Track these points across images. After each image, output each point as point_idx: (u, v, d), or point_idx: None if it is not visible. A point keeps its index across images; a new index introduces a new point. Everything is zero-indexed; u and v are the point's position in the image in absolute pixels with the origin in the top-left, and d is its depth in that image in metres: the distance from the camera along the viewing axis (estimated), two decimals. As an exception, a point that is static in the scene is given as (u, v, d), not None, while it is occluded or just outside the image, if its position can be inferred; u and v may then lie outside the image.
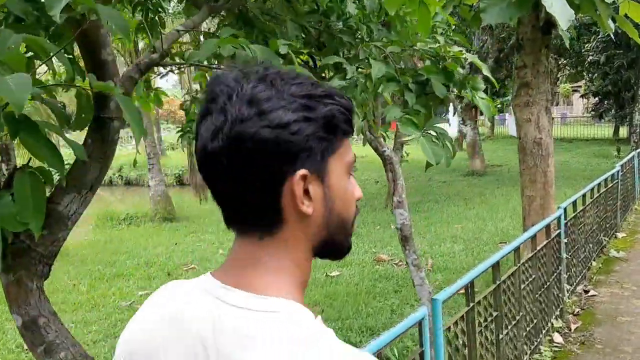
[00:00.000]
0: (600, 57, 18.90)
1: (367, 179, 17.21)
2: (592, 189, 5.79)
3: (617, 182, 7.07)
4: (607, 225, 6.58)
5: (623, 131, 24.46)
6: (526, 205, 6.16)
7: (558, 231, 4.44)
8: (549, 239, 4.11)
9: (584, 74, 23.45)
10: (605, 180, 6.41)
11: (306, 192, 0.70)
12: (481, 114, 37.14)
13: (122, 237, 11.03)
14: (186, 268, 8.31)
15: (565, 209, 4.66)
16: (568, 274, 4.76)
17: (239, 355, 0.65)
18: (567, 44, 4.39)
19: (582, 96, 26.03)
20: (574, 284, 5.01)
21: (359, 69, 2.63)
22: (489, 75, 2.60)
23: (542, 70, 5.92)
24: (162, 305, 0.76)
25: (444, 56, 2.65)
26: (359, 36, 2.92)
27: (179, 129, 4.34)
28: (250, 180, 0.69)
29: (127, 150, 28.27)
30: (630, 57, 18.37)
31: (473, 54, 2.76)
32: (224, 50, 1.81)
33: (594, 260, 5.81)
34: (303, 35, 2.88)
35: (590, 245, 5.71)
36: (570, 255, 4.90)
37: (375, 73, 2.50)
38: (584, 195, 5.40)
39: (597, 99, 21.39)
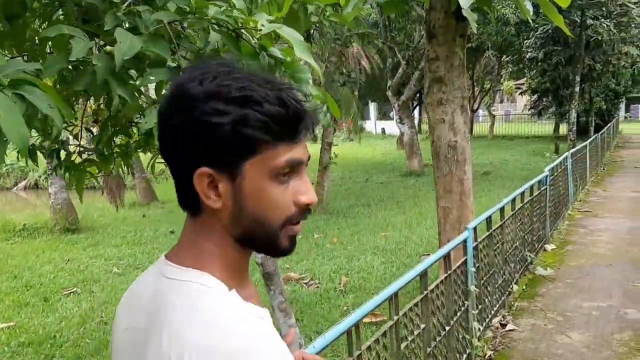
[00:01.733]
0: (539, 53, 18.59)
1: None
2: (513, 200, 5.01)
3: (546, 188, 6.36)
4: (534, 238, 5.85)
5: (563, 128, 24.46)
6: (441, 218, 5.35)
7: (464, 258, 3.60)
8: (448, 272, 3.25)
9: (525, 71, 23.28)
10: (531, 187, 5.67)
11: (216, 187, 0.75)
12: (414, 109, 36.80)
13: (11, 252, 9.70)
14: (66, 292, 7.15)
15: (475, 229, 3.83)
16: (480, 307, 3.94)
17: (160, 316, 0.74)
18: (473, 28, 3.55)
19: (520, 94, 25.89)
20: (489, 316, 4.21)
21: (105, 46, 1.64)
22: (311, 61, 1.68)
23: (457, 63, 5.10)
24: (135, 283, 0.87)
25: (243, 28, 1.71)
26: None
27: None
28: (174, 168, 0.78)
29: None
30: (568, 54, 18.12)
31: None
32: None
33: (516, 283, 5.03)
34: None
35: (512, 266, 4.94)
36: (484, 283, 4.09)
37: (122, 50, 1.51)
38: (501, 210, 4.60)
39: (536, 96, 21.15)
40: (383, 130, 36.05)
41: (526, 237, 5.50)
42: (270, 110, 0.73)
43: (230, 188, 0.75)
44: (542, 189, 6.22)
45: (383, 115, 38.74)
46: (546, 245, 6.33)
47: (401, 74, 16.58)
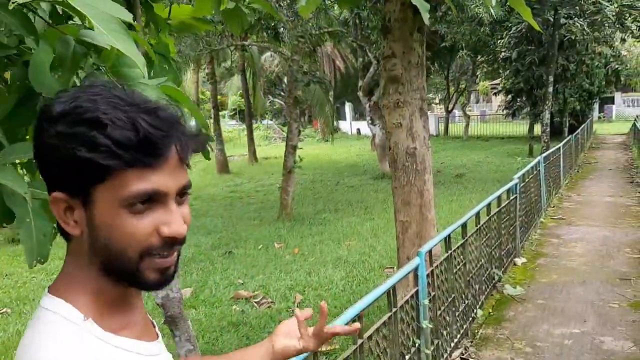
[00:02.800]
0: (512, 53, 18.26)
1: (272, 183, 15.73)
2: (478, 214, 4.49)
3: (516, 197, 5.88)
4: (503, 253, 5.35)
5: (538, 129, 24.22)
6: (400, 233, 4.82)
7: (414, 290, 3.05)
8: (393, 311, 2.70)
9: (500, 71, 22.99)
10: (499, 198, 5.17)
11: (72, 213, 0.73)
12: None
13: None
14: (-3, 313, 6.47)
15: (430, 252, 3.29)
16: (437, 342, 3.40)
17: (22, 344, 0.72)
18: (425, 19, 3.01)
19: (495, 94, 25.63)
20: (449, 349, 3.67)
21: None
22: (130, 49, 1.09)
23: (415, 61, 4.57)
24: None
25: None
26: None
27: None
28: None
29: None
30: (541, 54, 17.82)
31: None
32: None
33: (481, 306, 4.52)
34: None
35: (477, 287, 4.42)
36: (442, 313, 3.55)
37: None
38: (463, 226, 4.07)
39: (510, 96, 20.84)
40: (358, 130, 35.65)
41: (493, 252, 4.99)
42: (113, 135, 0.68)
43: (84, 215, 0.73)
44: (512, 198, 5.73)
45: (359, 115, 38.35)
46: (516, 259, 5.85)
47: (372, 73, 16.07)
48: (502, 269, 5.29)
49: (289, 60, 10.26)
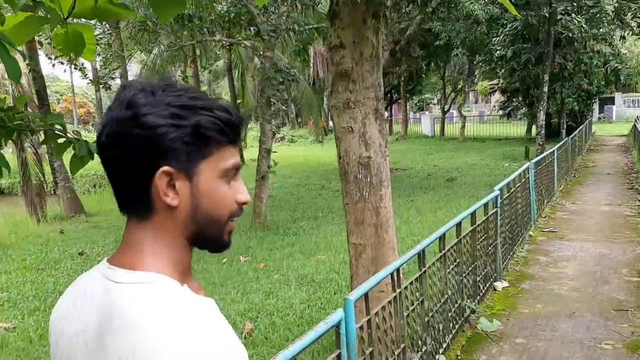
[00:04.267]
0: (507, 51, 17.47)
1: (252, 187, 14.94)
2: (442, 237, 3.73)
3: (496, 211, 5.11)
4: (479, 278, 4.58)
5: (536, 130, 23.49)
6: (353, 258, 4.05)
7: (337, 352, 2.28)
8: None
9: (497, 70, 22.21)
10: (473, 215, 4.40)
11: (173, 186, 0.80)
12: (385, 110, 35.61)
13: None
14: None
15: (367, 297, 2.52)
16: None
17: (118, 319, 0.74)
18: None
19: (490, 93, 24.82)
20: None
21: None
22: None
23: (369, 52, 3.81)
24: (73, 288, 0.89)
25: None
26: None
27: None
28: (127, 171, 0.80)
29: None
30: (538, 52, 17.02)
31: None
32: None
33: (445, 350, 3.74)
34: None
35: (440, 328, 3.65)
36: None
37: None
38: (420, 254, 3.31)
39: (505, 96, 20.04)
40: (353, 131, 34.77)
41: (466, 280, 4.22)
42: (222, 116, 0.82)
43: (187, 187, 0.80)
44: (491, 212, 4.96)
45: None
46: (497, 283, 5.08)
47: (359, 72, 15.30)
48: (478, 298, 4.52)
49: (260, 57, 9.48)
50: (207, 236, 0.84)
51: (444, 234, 3.68)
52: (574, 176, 12.44)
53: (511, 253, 5.88)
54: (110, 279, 0.80)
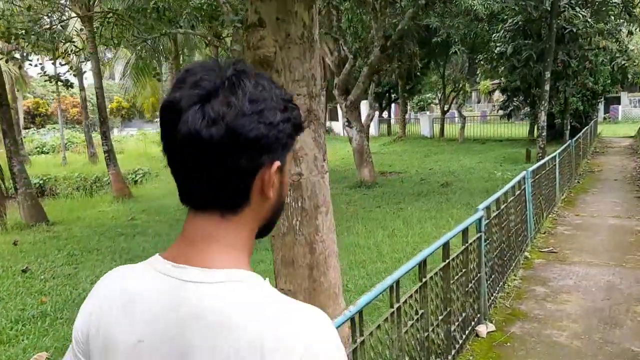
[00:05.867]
0: (507, 47, 16.43)
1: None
2: (396, 284, 2.74)
3: (480, 237, 4.11)
4: (454, 327, 3.58)
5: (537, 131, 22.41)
6: (282, 308, 3.03)
7: None
8: None
9: (498, 69, 21.17)
10: (445, 246, 3.40)
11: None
12: (384, 111, 34.50)
13: None
14: None
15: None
16: None
17: (214, 324, 0.72)
18: None
19: (490, 93, 23.77)
20: None
21: None
22: None
23: (299, 33, 2.81)
24: (117, 285, 0.83)
25: None
26: None
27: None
28: (237, 165, 0.77)
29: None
30: (539, 48, 15.97)
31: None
32: None
33: None
34: None
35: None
36: None
37: None
38: (355, 319, 2.31)
39: (505, 96, 18.98)
40: (350, 132, 33.81)
41: (434, 334, 3.22)
42: (299, 115, 0.84)
43: (279, 178, 0.82)
44: (473, 239, 3.96)
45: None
46: (480, 327, 4.07)
47: (348, 70, 14.32)
48: (453, 353, 3.51)
49: (227, 51, 8.50)
50: (274, 222, 0.88)
51: (396, 282, 2.68)
52: (578, 182, 11.40)
53: (501, 283, 4.88)
54: (181, 278, 0.76)
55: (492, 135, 26.43)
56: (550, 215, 7.93)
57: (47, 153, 29.34)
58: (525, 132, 24.74)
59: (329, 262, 2.99)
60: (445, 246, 3.36)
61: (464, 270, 3.73)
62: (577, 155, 12.41)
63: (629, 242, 6.46)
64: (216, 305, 0.72)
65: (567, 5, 13.65)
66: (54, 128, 38.46)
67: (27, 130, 39.42)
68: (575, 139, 12.12)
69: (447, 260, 3.40)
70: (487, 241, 4.44)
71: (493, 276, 4.60)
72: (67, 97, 45.49)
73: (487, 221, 4.44)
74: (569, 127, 18.18)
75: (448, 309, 3.42)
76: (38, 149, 30.45)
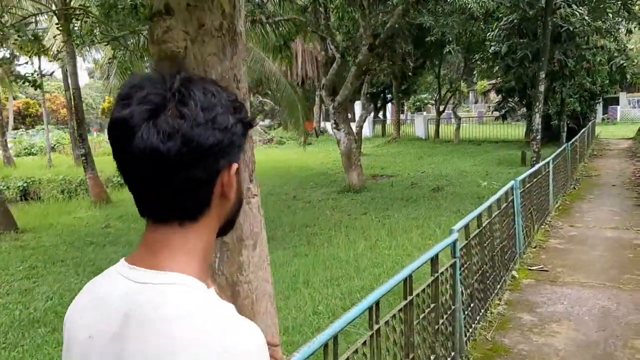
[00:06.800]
0: (502, 46, 15.87)
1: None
2: (325, 348, 2.18)
3: (455, 262, 3.56)
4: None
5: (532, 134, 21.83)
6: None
7: None
8: None
9: (494, 68, 20.60)
10: (407, 281, 2.84)
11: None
12: (379, 111, 34.05)
13: None
14: None
15: None
16: None
17: (137, 320, 0.75)
18: None
19: (484, 93, 23.22)
20: None
21: None
22: None
23: (216, 24, 2.25)
24: (88, 291, 0.87)
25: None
26: None
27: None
28: (197, 174, 0.78)
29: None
30: (535, 47, 15.39)
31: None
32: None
33: None
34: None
35: None
36: None
37: None
38: None
39: (500, 96, 18.42)
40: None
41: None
42: (247, 112, 0.86)
43: (235, 178, 0.84)
44: (445, 268, 3.40)
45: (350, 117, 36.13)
46: (454, 369, 3.51)
47: (335, 69, 13.76)
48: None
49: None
50: (234, 220, 0.89)
51: (333, 338, 2.11)
52: (574, 188, 10.85)
53: (482, 311, 4.32)
54: (132, 279, 0.79)
55: (488, 137, 25.89)
56: (542, 226, 7.37)
57: (36, 154, 28.79)
58: (521, 133, 24.21)
59: (258, 308, 2.43)
60: (407, 281, 2.80)
61: (432, 305, 3.17)
62: (573, 159, 11.86)
63: (627, 259, 5.91)
64: (148, 307, 0.74)
65: (563, 3, 13.09)
66: (44, 129, 37.96)
67: (16, 131, 38.87)
68: (571, 142, 11.57)
69: (409, 298, 2.84)
70: (465, 265, 3.88)
71: (472, 304, 4.05)
72: (58, 97, 44.94)
73: (465, 242, 3.90)
74: (565, 128, 17.62)
75: (411, 356, 2.86)
76: (27, 150, 29.93)
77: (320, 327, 5.20)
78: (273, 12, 14.78)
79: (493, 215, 4.72)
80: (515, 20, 15.84)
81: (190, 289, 0.76)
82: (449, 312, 3.45)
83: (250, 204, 2.37)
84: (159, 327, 0.72)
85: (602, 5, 12.64)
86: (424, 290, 3.05)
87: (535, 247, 6.46)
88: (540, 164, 7.82)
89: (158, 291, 0.75)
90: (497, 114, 19.53)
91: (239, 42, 2.34)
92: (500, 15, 16.73)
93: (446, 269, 3.40)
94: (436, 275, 3.22)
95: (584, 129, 15.92)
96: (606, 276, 5.33)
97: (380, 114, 34.41)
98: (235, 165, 0.82)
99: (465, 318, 3.80)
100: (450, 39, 18.41)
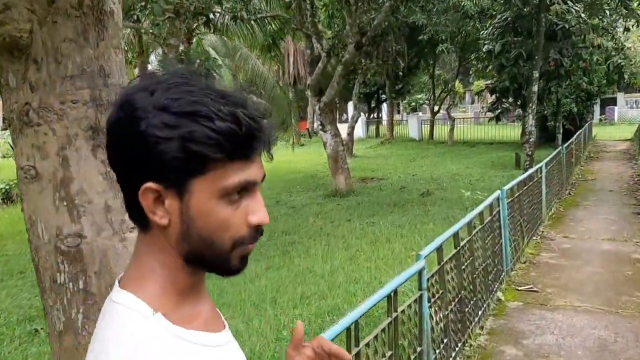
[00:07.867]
0: (495, 45, 15.30)
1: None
2: None
3: (422, 295, 2.97)
4: None
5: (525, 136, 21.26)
6: None
7: None
8: None
9: (488, 68, 20.03)
10: (348, 331, 2.25)
11: (162, 203, 0.72)
12: (375, 111, 33.55)
13: None
14: None
15: None
16: None
17: (98, 338, 0.73)
18: None
19: (477, 94, 22.70)
20: None
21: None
22: None
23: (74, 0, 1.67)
24: None
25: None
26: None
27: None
28: (122, 178, 0.74)
29: None
30: (530, 46, 14.83)
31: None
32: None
33: None
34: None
35: None
36: None
37: None
38: None
39: (494, 96, 17.86)
40: (337, 134, 32.78)
41: None
42: (222, 127, 0.69)
43: (177, 205, 0.72)
44: (408, 303, 2.82)
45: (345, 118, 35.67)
46: None
47: (321, 69, 13.17)
48: None
49: (163, 45, 7.36)
50: (205, 259, 0.75)
51: None
52: (569, 194, 10.28)
53: (459, 345, 3.73)
54: (110, 296, 0.78)
55: (482, 138, 25.34)
56: (534, 238, 6.79)
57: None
58: (517, 134, 23.66)
59: None
60: (350, 330, 2.21)
61: (389, 354, 2.58)
62: (569, 163, 11.29)
63: (626, 277, 5.33)
64: (100, 325, 0.73)
65: (558, -2, 12.52)
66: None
67: (4, 132, 38.19)
68: (566, 145, 11.00)
69: (354, 350, 2.25)
70: (437, 296, 3.30)
71: (446, 339, 3.46)
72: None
73: (437, 268, 3.31)
74: (562, 130, 17.06)
75: (356, 422, 2.27)
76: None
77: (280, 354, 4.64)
78: (259, 9, 14.21)
79: (473, 233, 4.14)
80: (509, 18, 15.29)
81: (126, 313, 0.71)
82: (412, 358, 2.86)
83: (125, 240, 1.78)
84: (97, 347, 0.71)
85: (599, 2, 12.08)
86: (376, 337, 2.46)
87: (524, 263, 5.88)
88: (532, 169, 7.25)
89: (107, 311, 0.74)
90: (490, 114, 18.93)
91: (109, 24, 1.75)
92: (494, 12, 16.20)
93: (409, 306, 2.81)
94: (395, 314, 2.63)
95: (580, 131, 15.36)
96: (602, 298, 4.75)
97: (375, 115, 33.85)
98: (146, 186, 0.70)
99: (436, 359, 3.21)
100: (444, 37, 17.86)
